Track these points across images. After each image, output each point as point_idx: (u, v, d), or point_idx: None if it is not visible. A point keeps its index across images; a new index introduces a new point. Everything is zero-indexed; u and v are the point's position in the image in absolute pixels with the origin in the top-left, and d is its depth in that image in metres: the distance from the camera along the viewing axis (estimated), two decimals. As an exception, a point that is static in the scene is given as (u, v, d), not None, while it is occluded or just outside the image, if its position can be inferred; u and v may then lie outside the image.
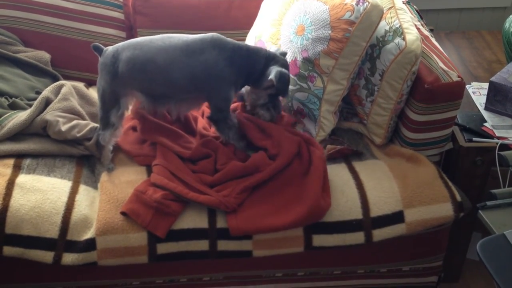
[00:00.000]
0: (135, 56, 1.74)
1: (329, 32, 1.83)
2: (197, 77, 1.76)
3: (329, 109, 1.92)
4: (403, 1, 2.02)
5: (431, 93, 1.79)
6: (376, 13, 1.80)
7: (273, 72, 1.75)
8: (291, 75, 1.89)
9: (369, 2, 1.79)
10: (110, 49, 1.79)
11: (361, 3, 1.80)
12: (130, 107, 1.90)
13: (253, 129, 1.87)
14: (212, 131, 1.92)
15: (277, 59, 1.82)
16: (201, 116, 2.02)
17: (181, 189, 1.70)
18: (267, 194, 1.73)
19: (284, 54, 1.88)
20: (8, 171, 1.74)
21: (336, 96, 1.91)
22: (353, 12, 1.80)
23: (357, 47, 1.83)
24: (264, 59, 1.80)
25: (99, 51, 1.80)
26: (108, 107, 1.78)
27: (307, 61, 1.89)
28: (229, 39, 1.81)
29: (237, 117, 1.89)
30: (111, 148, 1.84)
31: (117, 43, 1.86)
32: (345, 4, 1.82)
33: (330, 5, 1.85)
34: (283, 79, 1.77)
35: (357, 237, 1.72)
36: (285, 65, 1.82)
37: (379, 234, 1.73)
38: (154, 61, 1.74)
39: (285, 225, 1.67)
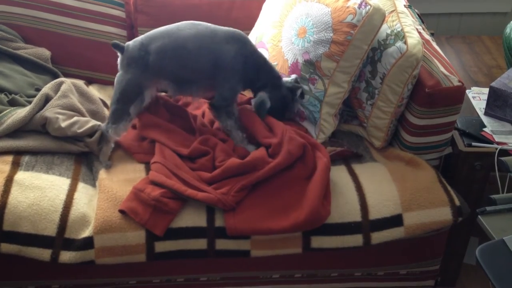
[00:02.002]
0: (165, 45, 1.81)
1: (331, 34, 1.84)
2: (218, 64, 1.82)
3: (330, 111, 1.92)
4: (404, 5, 2.02)
5: (432, 97, 1.79)
6: (378, 17, 1.81)
7: (258, 96, 1.84)
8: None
9: (371, 5, 1.79)
10: (132, 44, 1.84)
11: (363, 6, 1.80)
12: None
13: (259, 125, 1.86)
14: (215, 126, 1.93)
15: (276, 84, 1.86)
16: (201, 115, 2.01)
17: (179, 186, 1.69)
18: (267, 195, 1.72)
19: (298, 87, 1.90)
20: (6, 167, 1.74)
21: (337, 99, 1.91)
22: (355, 15, 1.80)
23: (359, 50, 1.83)
24: (264, 79, 1.87)
25: (120, 48, 1.83)
26: (129, 100, 1.82)
27: (308, 63, 1.89)
28: (250, 42, 1.89)
29: (245, 111, 1.90)
30: (112, 145, 1.85)
31: (118, 41, 1.86)
32: (347, 7, 1.82)
33: (332, 7, 1.85)
34: (262, 106, 1.84)
35: (356, 240, 1.72)
36: (277, 92, 1.86)
37: (378, 237, 1.73)
38: (185, 48, 1.81)
39: (282, 229, 1.66)
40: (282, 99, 1.88)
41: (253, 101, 1.84)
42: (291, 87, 1.89)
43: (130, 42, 1.85)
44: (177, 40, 1.82)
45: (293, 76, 1.92)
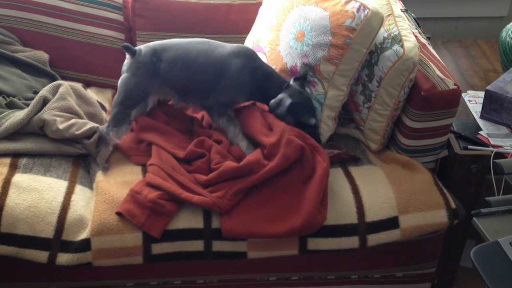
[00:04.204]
0: (178, 56, 1.85)
1: (330, 38, 1.85)
2: (223, 75, 1.85)
3: (330, 114, 1.93)
4: (401, 9, 2.03)
5: (428, 101, 1.80)
6: (377, 20, 1.82)
7: (276, 97, 1.84)
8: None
9: (369, 9, 1.80)
10: (145, 49, 1.87)
11: (361, 10, 1.81)
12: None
13: (258, 122, 1.86)
14: (214, 127, 1.94)
15: (291, 87, 1.86)
16: (199, 117, 2.02)
17: (175, 189, 1.70)
18: (264, 199, 1.73)
19: (304, 74, 1.90)
20: (4, 170, 1.74)
21: (336, 102, 1.92)
22: (354, 19, 1.81)
23: (358, 53, 1.84)
24: (278, 85, 1.88)
25: (132, 51, 1.85)
26: (132, 104, 1.85)
27: (307, 66, 1.90)
28: (259, 57, 1.92)
29: (245, 108, 1.92)
30: (111, 148, 1.86)
31: (116, 44, 1.88)
32: (346, 11, 1.83)
33: (330, 11, 1.86)
34: (281, 106, 1.82)
35: (352, 242, 1.73)
36: (295, 93, 1.85)
37: (374, 239, 1.73)
38: (195, 62, 1.85)
39: (278, 234, 1.67)
40: (300, 93, 1.87)
41: (272, 102, 1.84)
42: (300, 76, 1.89)
43: (142, 47, 1.88)
44: (189, 54, 1.86)
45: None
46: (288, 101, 1.82)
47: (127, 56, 1.88)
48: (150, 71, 1.84)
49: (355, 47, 1.83)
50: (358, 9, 1.82)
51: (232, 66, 1.84)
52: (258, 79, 1.87)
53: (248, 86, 1.87)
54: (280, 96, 1.84)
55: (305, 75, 1.91)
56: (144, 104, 1.88)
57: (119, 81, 1.88)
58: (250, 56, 1.89)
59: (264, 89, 1.88)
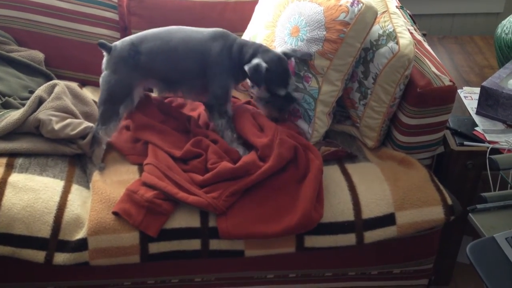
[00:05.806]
0: (157, 47, 1.84)
1: (324, 33, 1.85)
2: (205, 61, 1.85)
3: (324, 110, 1.93)
4: (396, 6, 2.03)
5: (423, 97, 1.80)
6: (370, 14, 1.82)
7: (251, 63, 1.80)
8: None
9: (363, 3, 1.81)
10: (121, 44, 1.86)
11: (355, 4, 1.81)
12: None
13: (251, 124, 1.86)
14: (210, 128, 1.94)
15: (266, 52, 1.83)
16: (196, 117, 2.02)
17: (170, 188, 1.70)
18: (259, 199, 1.73)
19: (292, 53, 1.88)
20: (0, 170, 1.74)
21: (330, 97, 1.92)
22: (348, 13, 1.81)
23: (352, 48, 1.84)
24: (252, 50, 1.84)
25: (107, 48, 1.84)
26: (118, 100, 1.84)
27: (301, 61, 1.90)
28: (233, 34, 1.91)
29: (238, 109, 1.92)
30: (104, 147, 1.86)
31: (111, 43, 1.86)
32: (340, 6, 1.83)
33: (325, 6, 1.86)
34: (257, 70, 1.78)
35: (349, 239, 1.73)
36: (272, 58, 1.81)
37: (370, 236, 1.74)
38: (176, 50, 1.84)
39: (275, 233, 1.67)
40: (278, 60, 1.83)
41: (246, 67, 1.80)
42: (284, 51, 1.87)
43: (118, 42, 1.87)
44: (168, 43, 1.85)
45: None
46: (263, 67, 1.78)
47: (104, 53, 1.87)
48: (129, 65, 1.83)
49: (349, 42, 1.84)
50: (352, 4, 1.82)
51: (212, 51, 1.84)
52: (236, 54, 1.85)
53: (231, 66, 1.85)
54: (256, 61, 1.79)
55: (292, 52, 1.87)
56: (131, 99, 1.86)
57: (100, 80, 1.86)
58: (226, 37, 1.87)
59: (241, 59, 1.84)
